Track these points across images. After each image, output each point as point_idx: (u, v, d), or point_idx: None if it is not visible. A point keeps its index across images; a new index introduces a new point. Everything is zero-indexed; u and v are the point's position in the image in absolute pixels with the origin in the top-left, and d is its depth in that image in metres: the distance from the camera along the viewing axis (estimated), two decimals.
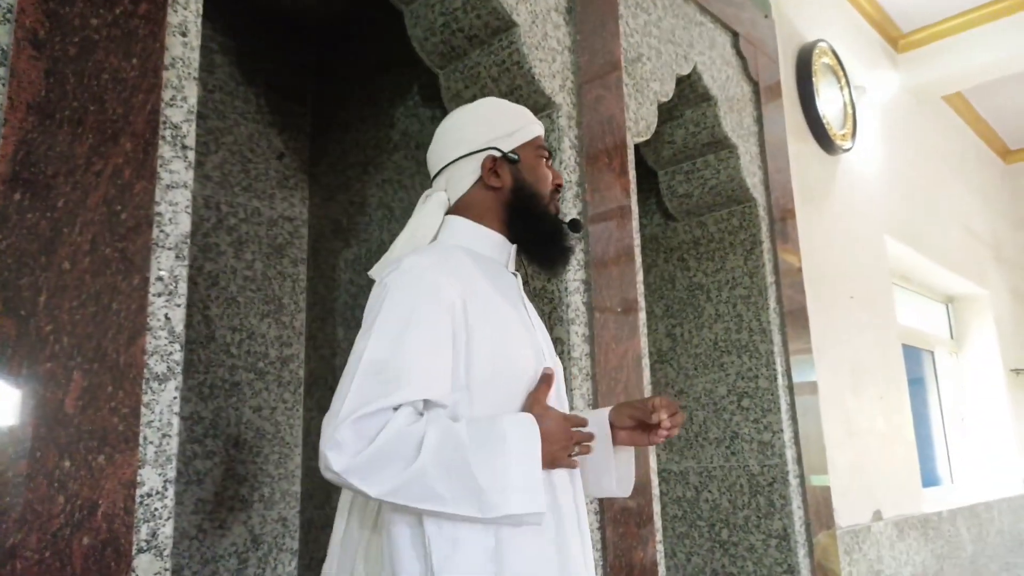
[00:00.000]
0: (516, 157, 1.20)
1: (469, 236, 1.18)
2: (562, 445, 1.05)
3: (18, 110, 0.95)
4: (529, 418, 1.02)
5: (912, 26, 4.29)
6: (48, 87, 0.99)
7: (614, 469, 1.21)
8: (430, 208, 1.21)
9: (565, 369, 1.71)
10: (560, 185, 1.24)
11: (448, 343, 1.03)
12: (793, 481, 2.43)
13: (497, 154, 1.19)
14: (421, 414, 1.00)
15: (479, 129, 1.21)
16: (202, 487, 2.20)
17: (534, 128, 1.25)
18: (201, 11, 1.21)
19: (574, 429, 1.07)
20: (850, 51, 3.72)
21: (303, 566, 2.35)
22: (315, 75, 2.77)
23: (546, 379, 1.10)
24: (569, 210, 1.84)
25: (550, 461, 1.04)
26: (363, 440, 0.94)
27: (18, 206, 0.92)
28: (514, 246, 1.22)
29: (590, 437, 1.09)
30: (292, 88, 2.71)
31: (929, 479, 4.05)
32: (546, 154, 1.24)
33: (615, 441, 1.21)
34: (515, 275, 1.22)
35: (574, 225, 1.24)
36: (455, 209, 1.21)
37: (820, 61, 3.33)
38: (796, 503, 2.42)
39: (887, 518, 3.02)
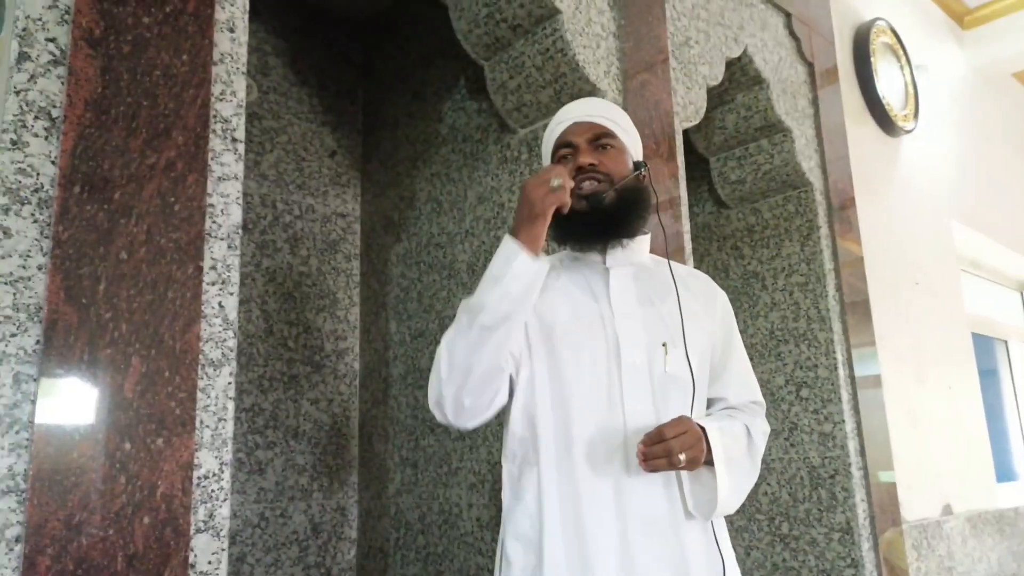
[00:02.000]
0: None
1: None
2: (537, 194, 1.10)
3: (76, 107, 0.99)
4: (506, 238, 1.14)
5: (979, 1, 4.10)
6: (104, 84, 1.03)
7: (688, 486, 1.16)
8: None
9: None
10: (579, 168, 1.22)
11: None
12: (856, 473, 2.36)
13: None
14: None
15: (545, 142, 1.34)
16: (264, 477, 2.25)
17: (553, 136, 1.29)
18: (248, 7, 1.23)
19: (547, 173, 1.11)
20: (911, 29, 3.58)
21: (362, 554, 2.39)
22: (364, 73, 2.81)
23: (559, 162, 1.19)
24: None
25: (540, 211, 1.11)
26: (447, 342, 1.23)
27: (77, 199, 0.96)
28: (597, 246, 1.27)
29: (553, 170, 1.12)
30: (343, 87, 2.76)
31: (1005, 474, 3.87)
32: (565, 152, 1.26)
33: None
34: (607, 270, 1.25)
35: (592, 201, 1.22)
36: None
37: (879, 40, 3.22)
38: (859, 496, 2.35)
39: (958, 513, 2.90)
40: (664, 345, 1.19)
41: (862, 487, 2.37)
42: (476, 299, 1.14)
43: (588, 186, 1.20)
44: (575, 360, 1.17)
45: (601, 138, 1.25)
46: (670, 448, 1.04)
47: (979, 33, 4.19)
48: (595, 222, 1.21)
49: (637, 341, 1.18)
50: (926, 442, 2.86)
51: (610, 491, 1.12)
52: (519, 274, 1.10)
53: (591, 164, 1.21)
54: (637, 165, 1.27)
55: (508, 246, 1.12)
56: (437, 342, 2.22)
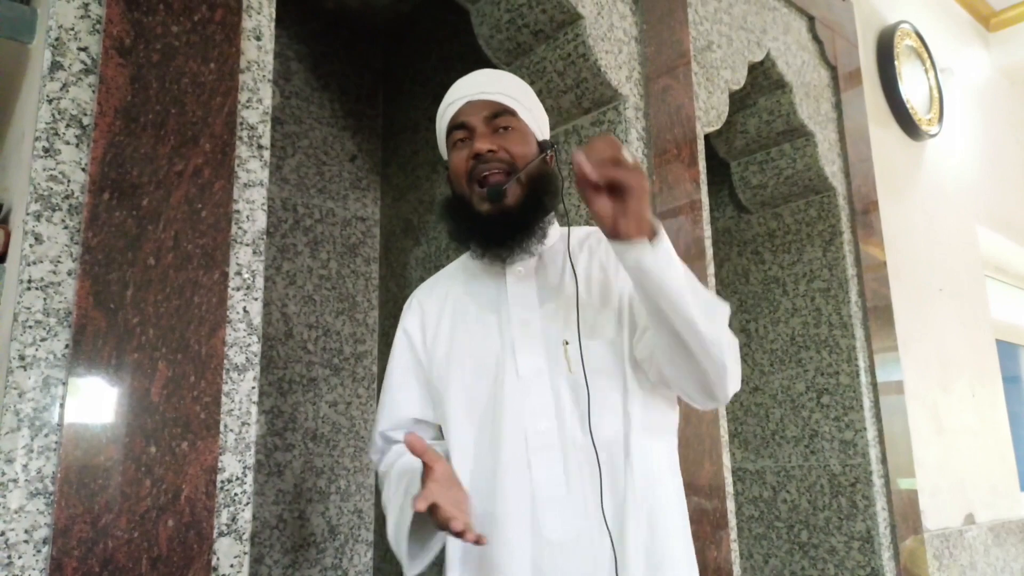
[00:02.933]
0: (447, 163, 1.13)
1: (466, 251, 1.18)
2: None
3: (106, 115, 1.01)
4: (416, 480, 1.00)
5: (1005, 3, 4.05)
6: (133, 92, 1.05)
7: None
8: None
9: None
10: (476, 153, 1.05)
11: (410, 372, 1.17)
12: (877, 482, 2.34)
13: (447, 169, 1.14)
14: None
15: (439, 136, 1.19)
16: (282, 479, 2.27)
17: (445, 118, 1.13)
18: (274, 16, 1.25)
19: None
20: (935, 32, 3.54)
21: (379, 557, 2.40)
22: (385, 78, 2.83)
23: (410, 447, 0.90)
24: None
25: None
26: (375, 456, 1.22)
27: (107, 205, 0.98)
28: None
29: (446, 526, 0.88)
30: (364, 91, 2.78)
31: None
32: (458, 134, 1.09)
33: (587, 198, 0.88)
34: (501, 275, 1.11)
35: (492, 196, 1.04)
36: None
37: (903, 43, 3.19)
38: (880, 504, 2.32)
39: (981, 522, 2.86)
40: (566, 343, 1.04)
41: (883, 495, 2.34)
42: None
43: (492, 176, 1.04)
44: (478, 379, 1.07)
45: (500, 116, 1.07)
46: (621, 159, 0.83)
47: (1005, 35, 4.13)
48: (499, 225, 1.04)
49: (531, 356, 1.05)
50: (949, 450, 2.82)
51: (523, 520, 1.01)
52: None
53: (490, 150, 1.04)
54: (543, 146, 1.11)
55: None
56: None
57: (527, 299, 1.08)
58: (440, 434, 1.15)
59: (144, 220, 1.01)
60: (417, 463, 1.00)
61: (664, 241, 0.88)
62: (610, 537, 0.98)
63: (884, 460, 2.37)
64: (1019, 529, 3.07)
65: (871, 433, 2.37)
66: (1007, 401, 3.38)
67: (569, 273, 1.09)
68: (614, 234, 0.86)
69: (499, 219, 1.04)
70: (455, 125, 1.10)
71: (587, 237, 1.16)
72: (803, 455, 2.47)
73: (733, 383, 0.98)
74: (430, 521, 0.91)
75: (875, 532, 2.29)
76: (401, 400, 1.16)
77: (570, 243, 1.11)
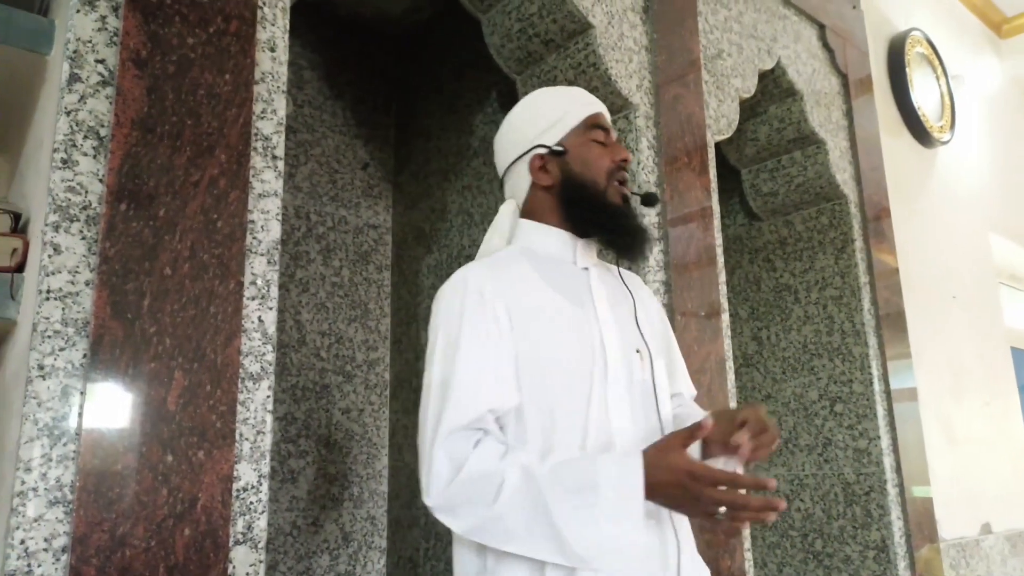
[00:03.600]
0: (562, 149, 1.15)
1: (533, 237, 1.16)
2: (693, 502, 0.90)
3: (123, 126, 1.02)
4: (633, 469, 0.91)
5: (1017, 10, 4.03)
6: (150, 103, 1.06)
7: None
8: (501, 216, 1.21)
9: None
10: (624, 160, 1.15)
11: (500, 349, 1.03)
12: (892, 490, 2.32)
13: (543, 151, 1.16)
14: (503, 441, 1.01)
15: (524, 129, 1.19)
16: (296, 485, 2.28)
17: (582, 110, 1.17)
18: (288, 27, 1.26)
19: (714, 488, 0.88)
20: (946, 39, 3.53)
21: (391, 564, 2.40)
22: (397, 86, 2.84)
23: (699, 427, 0.92)
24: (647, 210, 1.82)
25: (684, 509, 0.94)
26: (453, 466, 0.96)
27: (124, 215, 0.99)
28: (581, 240, 1.16)
29: (741, 502, 0.87)
30: (376, 100, 2.79)
31: None
32: (600, 134, 1.16)
33: (707, 453, 1.07)
34: (586, 270, 1.15)
35: (648, 199, 1.20)
36: (525, 212, 1.20)
37: (914, 51, 3.18)
38: (895, 513, 2.31)
39: (997, 531, 2.83)
40: (638, 352, 1.11)
41: (898, 504, 2.33)
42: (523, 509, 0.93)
43: (626, 191, 1.16)
44: (573, 376, 1.05)
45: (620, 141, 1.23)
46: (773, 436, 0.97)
47: (1017, 42, 4.12)
48: (633, 219, 1.15)
49: (615, 349, 1.09)
50: (964, 458, 2.80)
51: None
52: (616, 559, 0.92)
53: (629, 162, 1.17)
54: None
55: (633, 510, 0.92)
56: None
57: (607, 300, 1.13)
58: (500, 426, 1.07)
59: (160, 230, 1.02)
60: (582, 457, 0.97)
61: None
62: (676, 537, 1.05)
63: (899, 469, 2.35)
64: None
65: (885, 441, 2.36)
66: (1023, 409, 3.35)
67: (624, 290, 1.19)
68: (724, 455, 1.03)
69: (632, 214, 1.15)
70: (599, 124, 1.18)
71: (629, 276, 1.26)
72: (817, 463, 2.45)
73: None
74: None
75: (890, 541, 2.27)
76: (485, 383, 1.00)
77: (620, 269, 1.23)
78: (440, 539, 2.21)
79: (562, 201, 1.15)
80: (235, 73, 1.16)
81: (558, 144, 1.15)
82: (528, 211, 1.19)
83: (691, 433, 0.92)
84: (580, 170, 1.14)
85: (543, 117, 1.17)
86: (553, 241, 1.15)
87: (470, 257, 2.31)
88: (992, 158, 3.72)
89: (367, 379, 2.52)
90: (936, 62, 3.33)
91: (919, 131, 3.11)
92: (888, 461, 2.34)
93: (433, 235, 2.50)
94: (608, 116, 1.22)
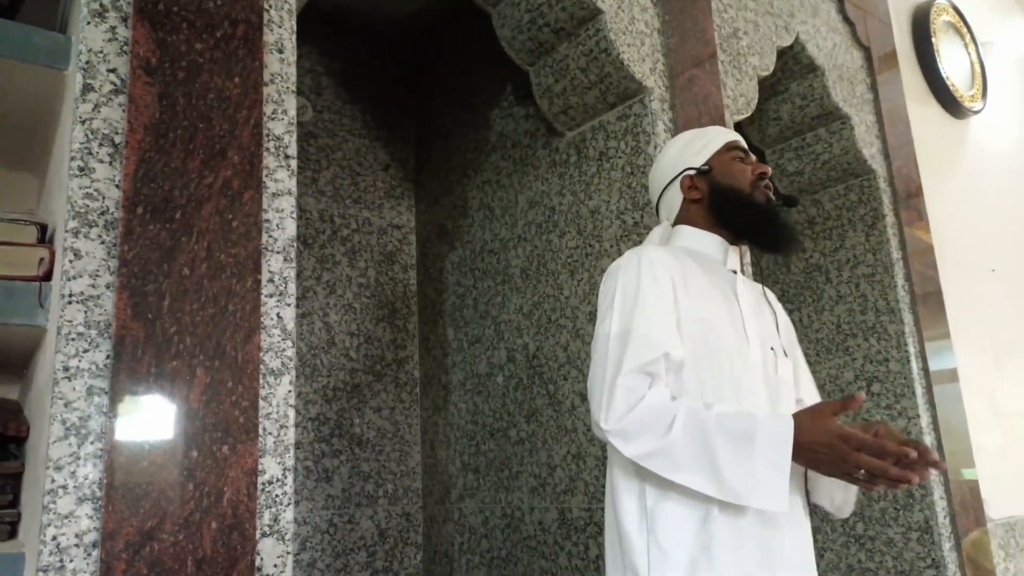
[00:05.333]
0: (708, 168, 1.33)
1: (691, 239, 1.33)
2: (839, 462, 1.03)
3: (137, 132, 1.04)
4: (785, 424, 1.05)
5: None
6: (161, 109, 1.08)
7: (827, 488, 1.23)
8: (652, 233, 1.40)
9: None
10: (764, 173, 1.31)
11: (671, 306, 1.18)
12: (933, 470, 2.26)
13: (692, 172, 1.34)
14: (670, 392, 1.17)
15: (675, 159, 1.37)
16: (331, 484, 2.31)
17: (722, 137, 1.36)
18: (295, 29, 1.28)
19: (860, 453, 1.01)
20: (974, 5, 3.43)
21: (427, 559, 2.42)
22: (414, 87, 2.86)
23: (851, 399, 1.04)
24: None
25: (826, 470, 1.07)
26: (632, 398, 1.10)
27: (140, 219, 1.01)
28: (731, 246, 1.33)
29: (879, 466, 1.00)
30: (394, 102, 2.81)
31: None
32: (740, 154, 1.34)
33: None
34: (734, 272, 1.31)
35: (789, 201, 1.35)
36: (678, 223, 1.38)
37: (940, 19, 3.10)
38: (938, 494, 2.25)
39: None
40: (772, 350, 1.26)
41: (940, 484, 2.27)
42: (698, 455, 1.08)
43: (771, 194, 1.31)
44: (723, 353, 1.20)
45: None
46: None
47: None
48: (784, 224, 1.30)
49: (756, 340, 1.24)
50: (1011, 436, 2.72)
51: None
52: (764, 497, 1.05)
53: (769, 174, 1.33)
54: None
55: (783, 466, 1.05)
56: (494, 347, 2.24)
57: (750, 300, 1.29)
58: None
59: (177, 232, 1.04)
60: (745, 412, 1.11)
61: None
62: (810, 517, 1.22)
63: (939, 447, 2.30)
64: None
65: (924, 420, 2.30)
66: None
67: (763, 298, 1.36)
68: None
69: (779, 211, 1.31)
70: (735, 146, 1.36)
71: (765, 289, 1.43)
72: None
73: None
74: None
75: (934, 522, 2.22)
76: (673, 332, 1.16)
77: (764, 287, 1.41)
78: (474, 533, 2.22)
79: (712, 209, 1.32)
80: (244, 76, 1.18)
81: (704, 165, 1.33)
82: (683, 222, 1.36)
83: (844, 404, 1.04)
84: (726, 181, 1.31)
85: (691, 146, 1.36)
86: (707, 243, 1.32)
87: (492, 252, 2.32)
88: None
89: (397, 377, 2.54)
90: (964, 29, 3.24)
91: (949, 102, 3.03)
92: (929, 440, 2.28)
93: (455, 232, 2.51)
94: (745, 143, 1.39)
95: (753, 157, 1.37)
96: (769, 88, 2.48)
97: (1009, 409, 2.76)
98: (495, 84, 2.41)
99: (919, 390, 2.34)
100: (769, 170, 1.33)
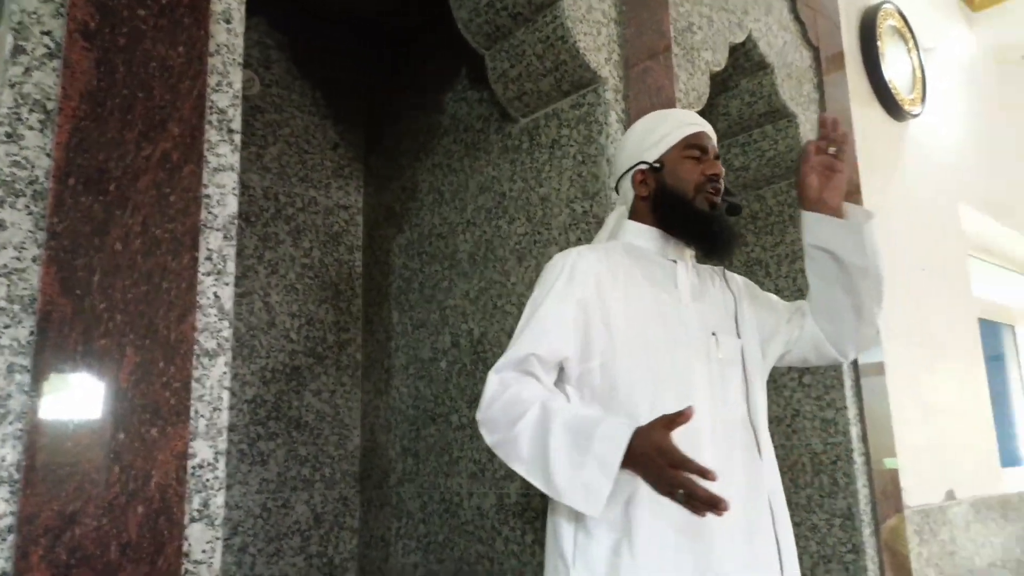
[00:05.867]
0: (659, 165, 1.33)
1: (631, 233, 1.36)
2: (656, 477, 1.05)
3: (71, 99, 0.99)
4: (624, 430, 1.06)
5: None
6: (99, 76, 1.03)
7: (850, 250, 1.25)
8: (609, 218, 1.44)
9: None
10: (715, 175, 1.30)
11: (573, 313, 1.21)
12: (858, 459, 2.35)
13: (644, 167, 1.35)
14: (559, 384, 1.23)
15: (633, 147, 1.39)
16: (266, 467, 2.27)
17: (680, 132, 1.35)
18: None
19: (674, 470, 1.02)
20: (919, 11, 3.53)
21: (363, 544, 2.41)
22: (366, 65, 2.80)
23: (678, 416, 1.04)
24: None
25: (652, 483, 1.08)
26: (499, 391, 1.17)
27: (72, 191, 0.96)
28: (673, 239, 1.33)
29: (693, 491, 1.01)
30: (345, 79, 2.76)
31: (1009, 459, 3.86)
32: (695, 152, 1.33)
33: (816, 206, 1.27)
34: (674, 262, 1.32)
35: (732, 209, 1.34)
36: (630, 216, 1.39)
37: (886, 23, 3.19)
38: (861, 482, 2.34)
39: (962, 499, 2.89)
40: (715, 335, 1.27)
41: (864, 473, 2.36)
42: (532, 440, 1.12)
43: (717, 198, 1.31)
44: (657, 350, 1.21)
45: (718, 157, 1.37)
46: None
47: (989, 14, 4.14)
48: (719, 224, 1.30)
49: (694, 329, 1.26)
50: (931, 428, 2.85)
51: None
52: (581, 499, 1.07)
53: (722, 176, 1.32)
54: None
55: (611, 467, 1.06)
56: (439, 332, 2.22)
57: (691, 289, 1.31)
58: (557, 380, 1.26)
59: (111, 205, 1.00)
60: (595, 414, 1.14)
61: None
62: (769, 501, 1.21)
63: (865, 439, 2.39)
64: (999, 505, 3.10)
65: (852, 412, 2.39)
66: (989, 379, 3.40)
67: (721, 283, 1.37)
68: (816, 202, 1.25)
69: (719, 219, 1.30)
70: (695, 143, 1.34)
71: (732, 276, 1.43)
72: (785, 435, 2.48)
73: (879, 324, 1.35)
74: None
75: (856, 509, 2.31)
76: (564, 335, 1.20)
77: (726, 273, 1.42)
78: (411, 517, 2.22)
79: (656, 208, 1.34)
80: (188, 45, 1.14)
81: (657, 161, 1.34)
82: (632, 215, 1.39)
83: (673, 419, 1.04)
84: (672, 183, 1.32)
85: (648, 137, 1.36)
86: (647, 237, 1.34)
87: (441, 236, 2.30)
88: (962, 129, 3.75)
89: (338, 360, 2.51)
90: (908, 35, 3.34)
91: (890, 104, 3.12)
92: (855, 431, 2.37)
93: (404, 214, 2.48)
94: (712, 137, 1.37)
95: (713, 152, 1.36)
96: (720, 83, 2.51)
97: (932, 404, 2.88)
98: (450, 66, 2.38)
99: (848, 382, 2.42)
100: (720, 171, 1.32)
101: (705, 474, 1.00)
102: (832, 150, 1.25)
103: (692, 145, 1.34)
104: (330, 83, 2.71)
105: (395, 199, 2.54)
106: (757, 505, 1.20)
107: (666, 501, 1.08)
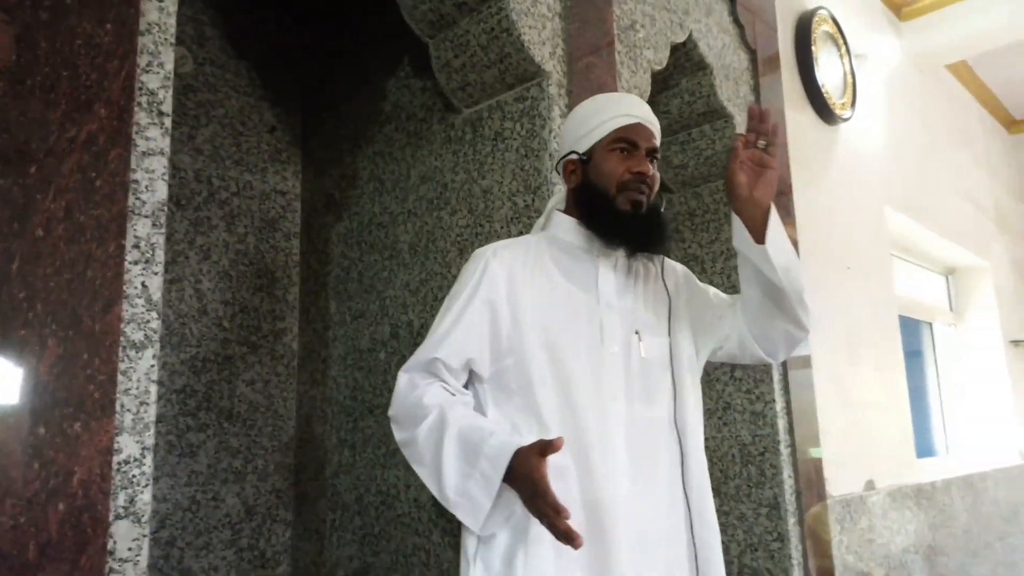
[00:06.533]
0: (586, 158, 1.29)
1: (558, 226, 1.33)
2: (525, 501, 1.06)
3: None
4: (508, 449, 1.07)
5: None
6: (19, 52, 0.98)
7: (759, 259, 1.20)
8: (549, 204, 1.41)
9: None
10: (640, 174, 1.25)
11: (481, 315, 1.21)
12: (784, 451, 2.44)
13: (575, 157, 1.31)
14: (466, 384, 1.25)
15: (566, 135, 1.36)
16: (195, 459, 2.21)
17: (613, 123, 1.29)
18: None
19: (537, 499, 1.02)
20: (851, 18, 3.66)
21: (297, 536, 2.37)
22: (307, 47, 2.74)
23: (549, 445, 1.04)
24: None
25: (527, 505, 1.07)
26: (407, 391, 1.20)
27: None
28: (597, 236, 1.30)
29: (553, 523, 1.00)
30: (284, 60, 2.68)
31: (925, 450, 4.06)
32: (624, 146, 1.27)
33: (744, 209, 1.20)
34: (597, 258, 1.29)
35: (649, 217, 1.29)
36: (565, 205, 1.37)
37: (820, 29, 3.28)
38: (787, 472, 2.43)
39: (880, 488, 3.03)
40: (637, 333, 1.25)
41: (790, 464, 2.45)
42: (432, 447, 1.14)
43: (638, 198, 1.26)
44: (568, 349, 1.20)
45: (654, 152, 1.30)
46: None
47: (916, 24, 4.30)
48: (640, 224, 1.26)
49: (614, 328, 1.24)
50: (853, 420, 2.97)
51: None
52: (464, 514, 1.11)
53: (649, 175, 1.27)
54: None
55: (490, 488, 1.08)
56: (378, 322, 2.20)
57: (614, 288, 1.27)
58: (466, 383, 1.26)
59: (32, 189, 0.95)
60: (489, 426, 1.14)
61: (777, 216, 1.19)
62: (687, 502, 1.21)
63: (791, 430, 2.48)
64: (914, 494, 3.27)
65: (780, 404, 2.47)
66: (908, 374, 3.57)
67: (656, 276, 1.33)
68: (746, 200, 1.17)
69: (638, 219, 1.26)
70: (623, 137, 1.28)
71: (672, 266, 1.40)
72: (717, 427, 2.55)
73: (809, 327, 1.32)
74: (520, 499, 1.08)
75: (781, 499, 2.39)
76: (469, 337, 1.21)
77: (664, 265, 1.36)
78: (347, 509, 2.19)
79: (578, 202, 1.31)
80: (117, 23, 1.09)
81: (585, 153, 1.30)
82: (564, 206, 1.37)
83: (543, 447, 1.04)
84: (595, 179, 1.28)
85: (582, 126, 1.32)
86: (573, 232, 1.30)
87: (381, 225, 2.27)
88: (888, 135, 3.91)
89: (273, 349, 2.46)
90: (841, 41, 3.45)
91: (822, 108, 3.22)
92: (782, 423, 2.46)
93: (343, 202, 2.44)
94: (649, 128, 1.30)
95: (646, 147, 1.29)
96: (661, 82, 2.55)
97: (854, 397, 3.01)
98: (393, 53, 2.35)
99: (776, 376, 2.50)
100: (647, 170, 1.27)
101: (558, 512, 0.99)
102: (762, 144, 1.17)
103: (621, 139, 1.28)
104: (268, 63, 2.63)
105: (334, 186, 2.50)
106: (676, 509, 1.20)
107: (567, 503, 1.07)
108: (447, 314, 1.23)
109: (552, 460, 1.07)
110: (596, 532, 1.11)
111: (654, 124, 1.32)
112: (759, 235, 1.18)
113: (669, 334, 1.29)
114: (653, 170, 1.28)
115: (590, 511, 1.13)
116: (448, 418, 1.13)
